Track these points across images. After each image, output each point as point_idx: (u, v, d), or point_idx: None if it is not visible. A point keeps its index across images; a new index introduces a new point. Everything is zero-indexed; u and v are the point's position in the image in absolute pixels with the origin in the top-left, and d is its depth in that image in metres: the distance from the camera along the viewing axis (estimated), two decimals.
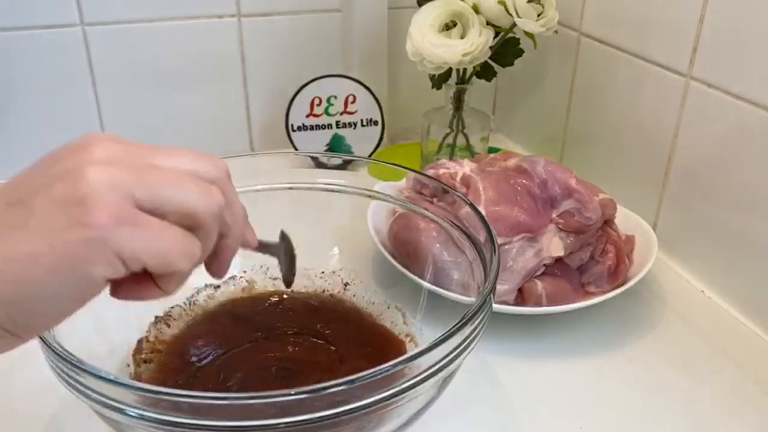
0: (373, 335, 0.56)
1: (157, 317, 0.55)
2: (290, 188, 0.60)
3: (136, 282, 0.30)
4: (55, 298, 0.28)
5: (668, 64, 0.68)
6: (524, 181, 0.62)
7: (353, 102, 0.87)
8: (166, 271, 0.30)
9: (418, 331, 0.56)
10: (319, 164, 0.79)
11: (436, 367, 0.39)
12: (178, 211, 0.30)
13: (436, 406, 0.44)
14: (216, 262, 0.35)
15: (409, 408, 0.42)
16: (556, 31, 0.75)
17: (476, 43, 0.73)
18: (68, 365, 0.37)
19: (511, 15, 0.72)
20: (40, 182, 0.29)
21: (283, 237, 0.45)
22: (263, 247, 0.42)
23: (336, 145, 0.89)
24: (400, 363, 0.37)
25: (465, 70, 0.79)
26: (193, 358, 0.53)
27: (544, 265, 0.60)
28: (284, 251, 0.45)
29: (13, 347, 0.29)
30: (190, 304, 0.58)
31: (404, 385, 0.38)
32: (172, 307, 0.57)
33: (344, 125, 0.88)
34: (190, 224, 0.31)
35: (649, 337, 0.61)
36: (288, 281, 0.46)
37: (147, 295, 0.31)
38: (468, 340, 0.41)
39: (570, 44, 0.82)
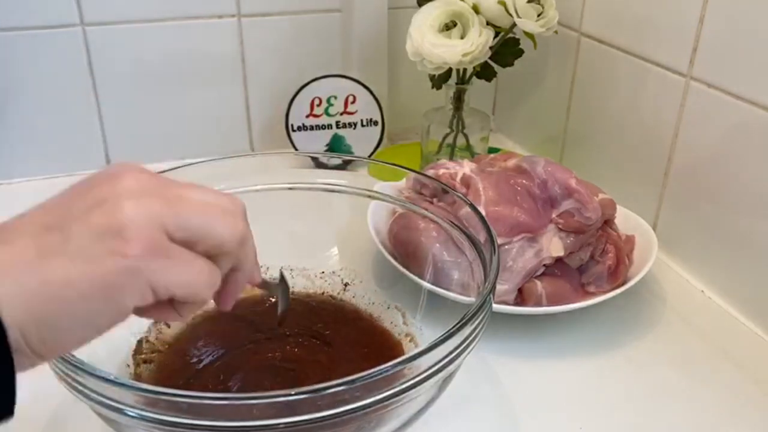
0: (373, 335, 0.56)
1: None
2: (290, 188, 0.60)
3: (157, 308, 0.31)
4: (86, 321, 0.29)
5: (668, 64, 0.68)
6: (524, 181, 0.62)
7: (353, 102, 0.87)
8: (191, 300, 0.32)
9: (418, 331, 0.56)
10: (319, 164, 0.79)
11: (436, 367, 0.39)
12: (206, 240, 0.31)
13: (436, 406, 0.44)
14: (225, 295, 0.36)
15: (409, 408, 0.42)
16: (556, 31, 0.75)
17: (476, 43, 0.73)
18: (68, 365, 0.37)
19: (511, 15, 0.72)
20: (76, 209, 0.30)
21: (282, 278, 0.46)
22: (264, 285, 0.44)
23: (336, 145, 0.89)
24: (400, 363, 0.37)
25: (465, 70, 0.79)
26: (193, 359, 0.53)
27: (544, 265, 0.60)
28: (282, 291, 0.47)
29: (32, 367, 0.31)
30: None
31: (404, 385, 0.38)
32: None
33: (344, 125, 0.88)
34: (214, 253, 0.32)
35: (649, 337, 0.61)
36: (283, 319, 0.48)
37: (165, 319, 0.33)
38: (468, 340, 0.41)
39: (570, 44, 0.82)
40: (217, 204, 0.32)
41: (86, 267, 0.28)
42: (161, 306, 0.31)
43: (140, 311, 0.31)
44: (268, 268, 0.61)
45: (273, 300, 0.47)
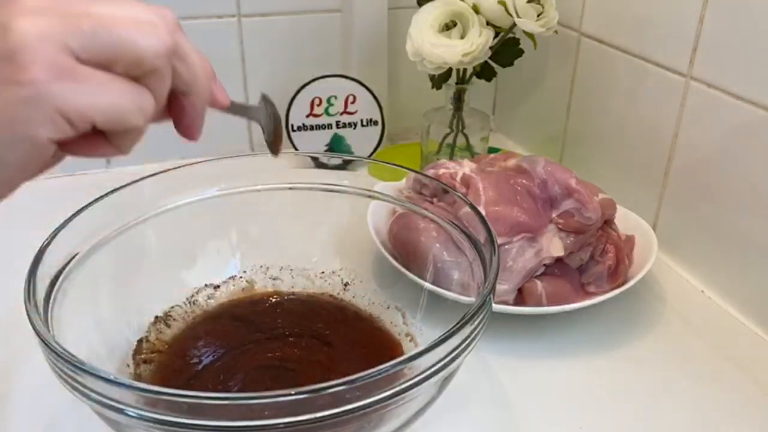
0: (373, 335, 0.56)
1: (157, 317, 0.55)
2: (290, 188, 0.60)
3: (87, 139, 0.28)
4: (1, 163, 0.26)
5: (668, 64, 0.68)
6: (524, 181, 0.62)
7: (353, 102, 0.87)
8: (118, 127, 0.28)
9: (418, 331, 0.56)
10: (319, 164, 0.79)
11: (436, 367, 0.39)
12: (121, 56, 0.27)
13: (436, 406, 0.44)
14: (183, 121, 0.33)
15: (409, 408, 0.42)
16: (556, 31, 0.75)
17: (476, 43, 0.73)
18: (68, 365, 0.37)
19: (511, 15, 0.72)
20: None
21: (265, 99, 0.41)
22: (240, 109, 0.38)
23: (336, 145, 0.89)
24: (400, 363, 0.37)
25: (465, 70, 0.79)
26: (194, 359, 0.53)
27: (544, 265, 0.60)
28: (266, 114, 0.41)
29: None
30: (190, 305, 0.57)
31: (404, 385, 0.38)
32: (172, 307, 0.57)
33: (344, 125, 0.88)
34: (136, 73, 0.28)
35: (649, 337, 0.61)
36: (274, 148, 0.42)
37: (100, 152, 0.29)
38: (468, 340, 0.41)
39: (570, 44, 0.82)
40: (132, 16, 0.28)
41: None
42: (92, 139, 0.28)
43: (68, 147, 0.28)
44: (268, 268, 0.61)
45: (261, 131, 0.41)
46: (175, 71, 0.30)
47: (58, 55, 0.26)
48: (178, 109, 0.32)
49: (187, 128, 0.33)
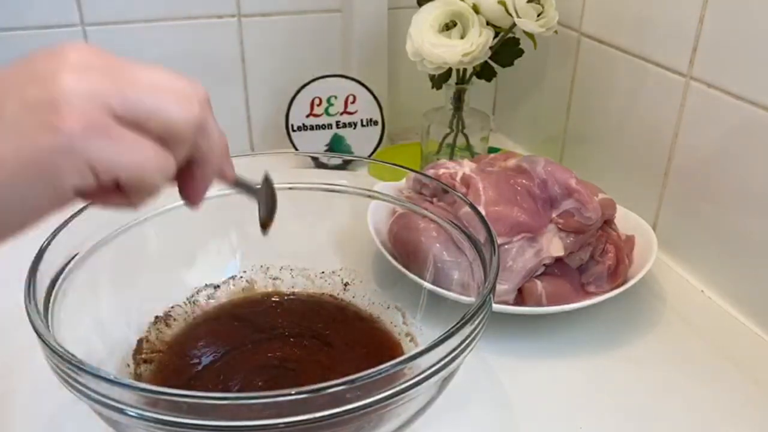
0: (373, 335, 0.56)
1: (157, 317, 0.55)
2: (290, 188, 0.60)
3: (103, 190, 0.29)
4: (21, 203, 0.27)
5: (668, 64, 0.68)
6: (524, 181, 0.62)
7: (353, 102, 0.87)
8: (139, 185, 0.29)
9: (418, 331, 0.56)
10: (319, 164, 0.79)
11: (436, 367, 0.39)
12: (156, 122, 0.29)
13: (436, 406, 0.44)
14: (191, 191, 0.34)
15: (409, 408, 0.42)
16: (556, 31, 0.75)
17: (476, 43, 0.73)
18: (68, 365, 0.37)
19: (511, 15, 0.72)
20: (11, 84, 0.27)
21: (267, 179, 0.43)
22: (242, 185, 0.40)
23: (336, 145, 0.89)
24: (400, 363, 0.37)
25: (465, 70, 0.79)
26: (194, 359, 0.53)
27: (544, 265, 0.60)
28: (266, 194, 0.43)
29: None
30: (190, 305, 0.58)
31: (404, 385, 0.38)
32: (172, 307, 0.57)
33: (344, 125, 0.88)
34: (165, 138, 0.30)
35: (649, 337, 0.61)
36: (266, 225, 0.44)
37: (112, 203, 0.30)
38: (468, 340, 0.41)
39: (570, 44, 0.82)
40: (170, 86, 0.30)
41: (17, 142, 0.26)
42: (108, 191, 0.29)
43: (85, 195, 0.29)
44: (268, 268, 0.61)
45: (260, 212, 0.44)
46: (195, 142, 0.32)
47: (98, 112, 0.27)
48: (187, 175, 0.33)
49: (191, 195, 0.35)
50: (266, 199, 0.44)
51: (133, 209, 0.31)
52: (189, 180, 0.34)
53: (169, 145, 0.30)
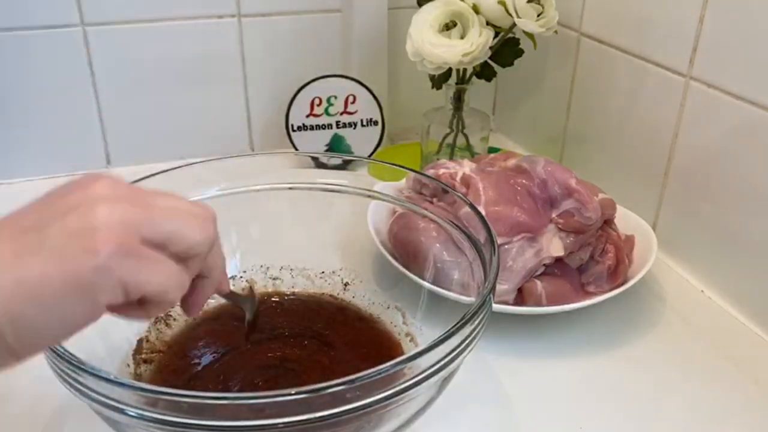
0: (373, 335, 0.56)
1: (157, 317, 0.55)
2: (290, 188, 0.60)
3: (126, 306, 0.32)
4: (61, 319, 0.30)
5: (668, 64, 0.68)
6: (524, 181, 0.62)
7: (353, 102, 0.87)
8: (161, 300, 0.32)
9: (418, 331, 0.56)
10: (319, 164, 0.79)
11: (436, 367, 0.39)
12: (178, 243, 0.33)
13: (436, 406, 0.44)
14: (193, 302, 0.38)
15: (409, 408, 0.42)
16: (555, 31, 0.75)
17: (476, 43, 0.73)
18: (68, 365, 0.37)
19: (511, 15, 0.72)
20: (52, 212, 0.31)
21: (251, 291, 0.49)
22: (232, 296, 0.45)
23: (336, 145, 0.89)
24: (400, 363, 0.37)
25: (465, 70, 0.79)
26: (194, 359, 0.53)
27: (544, 265, 0.60)
28: (250, 303, 0.48)
29: (9, 367, 0.31)
30: None
31: (404, 385, 0.38)
32: (173, 307, 0.56)
33: (344, 125, 0.88)
34: (184, 256, 0.33)
35: (649, 337, 0.61)
36: (250, 333, 0.49)
37: (132, 318, 0.34)
38: (468, 340, 0.41)
39: (570, 44, 0.82)
40: (188, 209, 0.34)
41: (61, 265, 0.29)
42: (130, 305, 0.32)
43: (111, 309, 0.32)
44: (268, 268, 0.61)
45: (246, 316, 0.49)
46: (206, 258, 0.36)
47: (130, 236, 0.31)
48: (191, 288, 0.36)
49: (193, 306, 0.38)
50: (252, 307, 0.48)
51: (147, 320, 0.35)
52: (192, 292, 0.37)
53: (187, 262, 0.34)
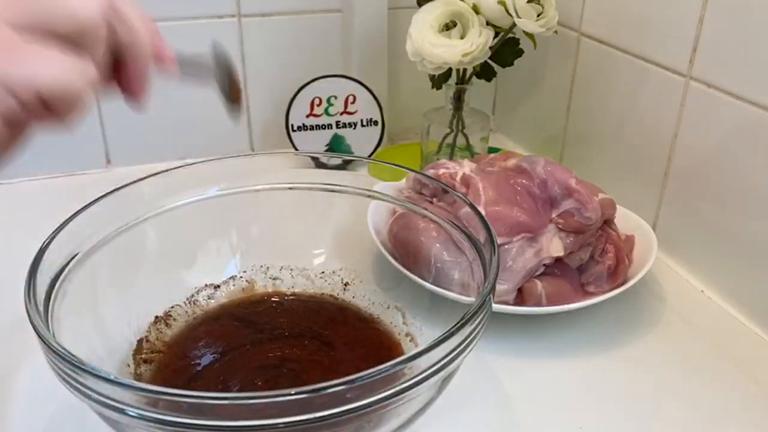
0: (373, 335, 0.56)
1: (157, 317, 0.55)
2: (290, 188, 0.60)
3: (31, 113, 0.28)
4: None
5: (668, 64, 0.68)
6: (524, 181, 0.62)
7: (353, 102, 0.87)
8: (64, 96, 0.28)
9: (418, 331, 0.56)
10: (319, 164, 0.79)
11: (436, 367, 0.39)
12: (58, 25, 0.27)
13: (436, 405, 0.44)
14: (129, 84, 0.33)
15: (408, 408, 0.42)
16: (555, 31, 0.75)
17: (476, 43, 0.73)
18: (68, 365, 0.37)
19: (511, 15, 0.72)
20: None
21: (214, 46, 0.36)
22: (188, 62, 0.34)
23: (336, 145, 0.89)
24: (400, 363, 0.37)
25: (465, 70, 0.79)
26: (194, 359, 0.53)
27: (544, 265, 0.60)
28: (218, 62, 0.36)
29: None
30: (190, 305, 0.58)
31: (404, 385, 0.38)
32: (172, 307, 0.57)
33: (344, 125, 0.88)
34: (75, 39, 0.28)
35: (649, 337, 0.61)
36: (234, 98, 0.37)
37: (46, 127, 0.29)
38: (468, 340, 0.41)
39: (570, 44, 0.82)
40: None
41: None
42: (36, 112, 0.28)
43: (14, 123, 0.28)
44: (268, 267, 0.61)
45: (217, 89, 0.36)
46: (113, 32, 0.30)
47: None
48: (122, 71, 0.31)
49: (132, 90, 0.33)
50: (220, 68, 0.37)
51: (68, 128, 0.29)
52: (124, 75, 0.32)
53: (84, 45, 0.28)
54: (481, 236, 0.51)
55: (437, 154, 0.83)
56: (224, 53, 0.37)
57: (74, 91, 0.28)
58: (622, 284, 0.61)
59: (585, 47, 0.80)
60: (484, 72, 0.80)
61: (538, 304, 0.59)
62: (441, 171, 0.64)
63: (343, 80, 0.86)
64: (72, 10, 0.27)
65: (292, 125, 0.87)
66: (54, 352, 0.37)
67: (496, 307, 0.53)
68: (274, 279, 0.61)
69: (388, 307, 0.58)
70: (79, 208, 0.49)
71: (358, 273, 0.62)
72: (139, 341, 0.53)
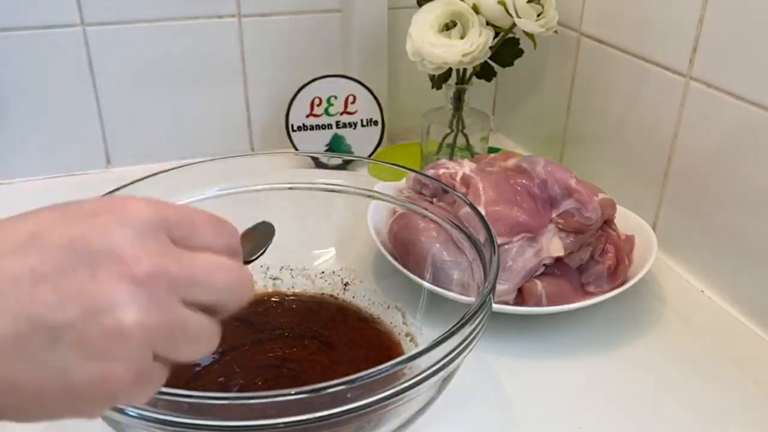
0: (373, 335, 0.56)
1: None
2: (290, 188, 0.60)
3: None
4: (46, 415, 0.27)
5: (668, 64, 0.68)
6: (524, 181, 0.62)
7: (353, 102, 0.87)
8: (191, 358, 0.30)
9: (418, 331, 0.56)
10: (319, 164, 0.79)
11: (436, 367, 0.39)
12: (228, 309, 0.30)
13: (436, 405, 0.44)
14: None
15: (408, 408, 0.42)
16: (555, 31, 0.75)
17: (476, 43, 0.73)
18: None
19: (511, 15, 0.72)
20: (70, 264, 0.26)
21: (265, 226, 0.40)
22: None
23: (336, 145, 0.89)
24: (400, 363, 0.37)
25: (465, 70, 0.79)
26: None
27: (544, 265, 0.60)
28: (265, 244, 0.40)
29: None
30: None
31: (404, 385, 0.38)
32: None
33: (344, 125, 0.88)
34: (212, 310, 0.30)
35: (649, 337, 0.61)
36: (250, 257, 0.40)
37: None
38: (468, 340, 0.41)
39: (570, 44, 0.82)
40: (221, 265, 0.30)
41: (61, 381, 0.25)
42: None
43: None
44: (268, 267, 0.61)
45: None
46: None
47: (146, 358, 0.28)
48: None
49: None
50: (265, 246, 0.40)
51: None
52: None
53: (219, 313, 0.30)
54: (481, 236, 0.51)
55: (437, 154, 0.83)
56: (272, 232, 0.41)
57: (211, 348, 0.30)
58: (622, 284, 0.61)
59: (585, 47, 0.80)
60: (484, 72, 0.80)
61: (538, 304, 0.59)
62: (441, 171, 0.64)
63: (343, 80, 0.86)
64: (243, 300, 0.30)
65: (292, 125, 0.87)
66: None
67: (496, 307, 0.53)
68: (274, 279, 0.61)
69: (388, 307, 0.58)
70: None
71: (358, 273, 0.62)
72: None
